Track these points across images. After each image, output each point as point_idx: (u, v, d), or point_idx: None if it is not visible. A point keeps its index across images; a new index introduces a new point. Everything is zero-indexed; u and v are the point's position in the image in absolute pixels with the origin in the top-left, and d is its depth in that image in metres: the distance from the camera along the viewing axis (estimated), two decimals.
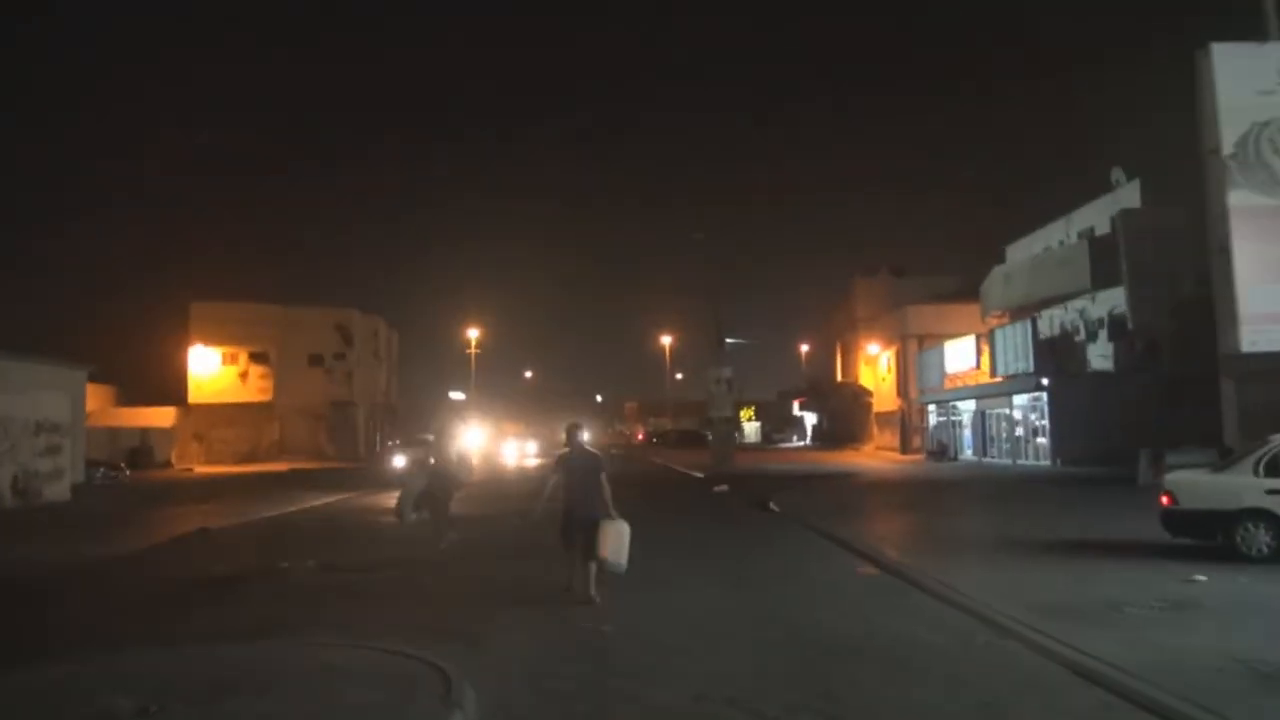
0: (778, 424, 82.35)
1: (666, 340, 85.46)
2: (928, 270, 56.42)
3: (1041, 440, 32.41)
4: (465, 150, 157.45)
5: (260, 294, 54.42)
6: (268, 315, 53.26)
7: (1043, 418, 32.35)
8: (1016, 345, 33.98)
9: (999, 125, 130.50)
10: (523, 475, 33.55)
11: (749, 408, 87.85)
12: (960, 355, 39.83)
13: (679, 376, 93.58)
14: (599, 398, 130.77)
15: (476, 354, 70.83)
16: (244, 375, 53.34)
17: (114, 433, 42.72)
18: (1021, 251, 40.88)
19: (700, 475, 31.95)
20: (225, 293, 53.46)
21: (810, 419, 74.02)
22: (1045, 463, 31.57)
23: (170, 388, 50.99)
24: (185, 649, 7.00)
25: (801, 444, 70.11)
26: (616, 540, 8.93)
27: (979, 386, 37.18)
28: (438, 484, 13.82)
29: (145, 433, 45.54)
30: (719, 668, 6.75)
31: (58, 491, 22.78)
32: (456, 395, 75.84)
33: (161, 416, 49.20)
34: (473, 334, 70.21)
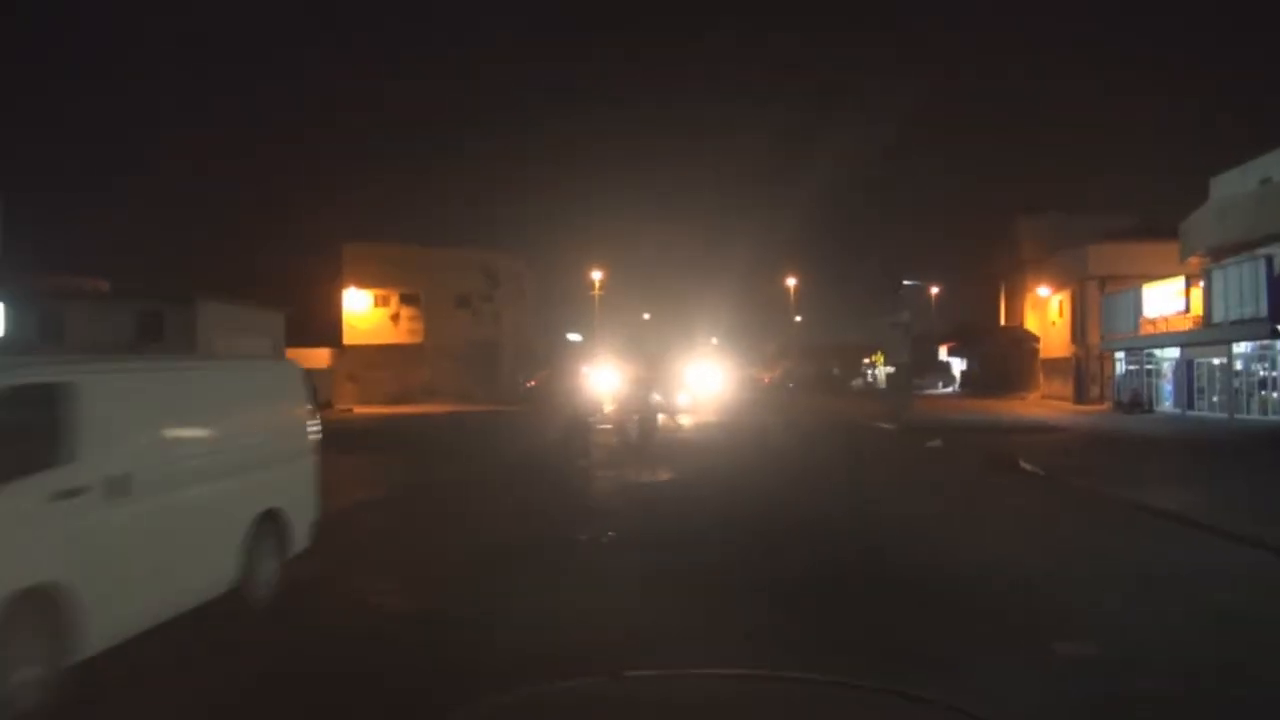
0: (918, 370, 79.03)
1: (791, 282, 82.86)
2: (1097, 209, 52.31)
3: (1272, 394, 29.27)
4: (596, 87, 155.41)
5: (406, 236, 54.34)
6: (416, 257, 53.18)
7: (1274, 368, 29.17)
8: (1243, 287, 30.56)
9: (1183, 47, 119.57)
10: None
11: (879, 353, 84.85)
12: (1162, 298, 36.42)
13: (798, 319, 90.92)
14: (714, 340, 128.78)
15: (600, 294, 69.40)
16: (395, 317, 53.62)
17: None
18: (1232, 185, 36.87)
19: (889, 427, 30.15)
20: (375, 235, 53.56)
21: (957, 365, 70.73)
22: (1276, 418, 28.50)
23: (325, 329, 51.58)
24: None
25: (948, 391, 67.02)
26: None
27: (1188, 333, 33.88)
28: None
29: (309, 374, 46.20)
30: None
31: None
32: (574, 337, 74.91)
33: (318, 357, 49.89)
34: (596, 275, 68.59)
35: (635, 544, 10.32)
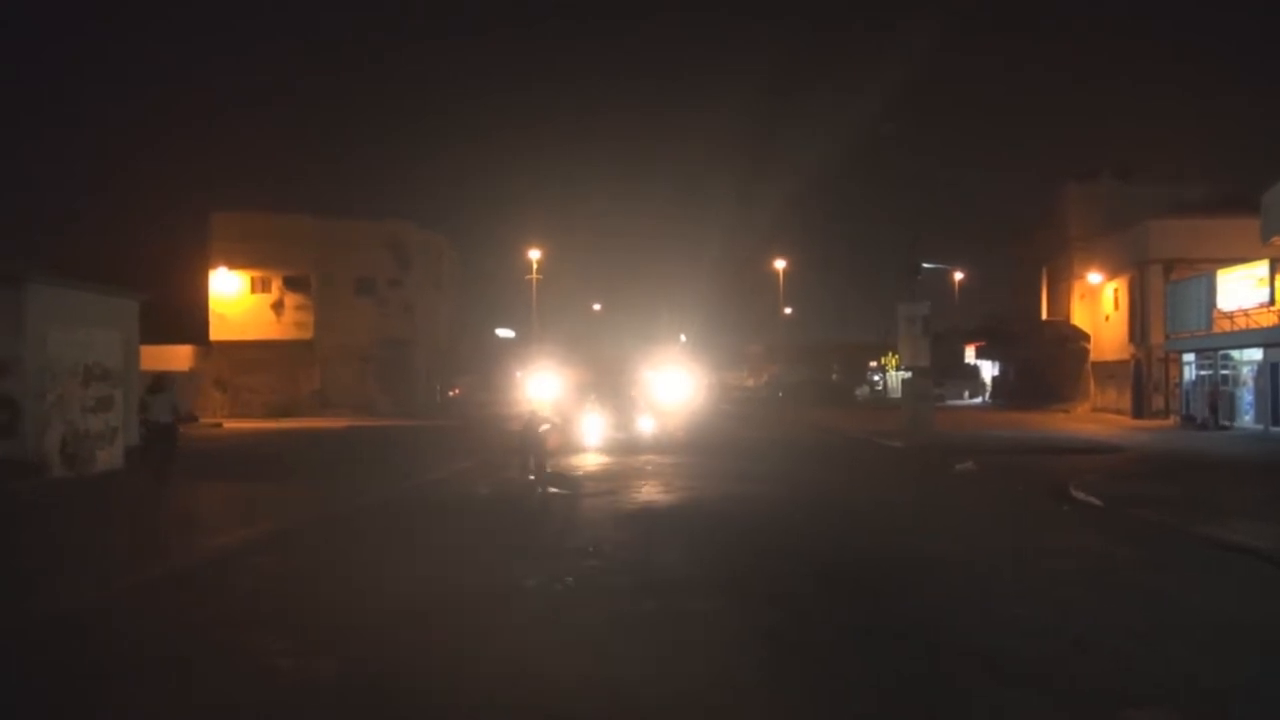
0: (938, 375, 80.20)
1: (780, 264, 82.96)
2: (1161, 176, 53.43)
3: None
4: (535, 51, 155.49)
5: (298, 207, 53.93)
6: (306, 229, 52.74)
7: None
8: None
9: None
10: None
11: (892, 354, 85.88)
12: (1241, 287, 37.39)
13: (788, 311, 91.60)
14: (683, 337, 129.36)
15: (539, 280, 69.32)
16: (277, 305, 53.06)
17: None
18: None
19: (900, 445, 30.70)
20: (256, 204, 53.03)
21: (987, 369, 71.91)
22: None
23: (190, 321, 50.84)
24: None
25: (977, 401, 68.09)
26: None
27: (1273, 330, 34.79)
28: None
29: (162, 378, 45.39)
30: None
31: (111, 457, 22.25)
32: (504, 333, 74.89)
33: (180, 357, 49.17)
34: (534, 255, 68.24)
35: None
